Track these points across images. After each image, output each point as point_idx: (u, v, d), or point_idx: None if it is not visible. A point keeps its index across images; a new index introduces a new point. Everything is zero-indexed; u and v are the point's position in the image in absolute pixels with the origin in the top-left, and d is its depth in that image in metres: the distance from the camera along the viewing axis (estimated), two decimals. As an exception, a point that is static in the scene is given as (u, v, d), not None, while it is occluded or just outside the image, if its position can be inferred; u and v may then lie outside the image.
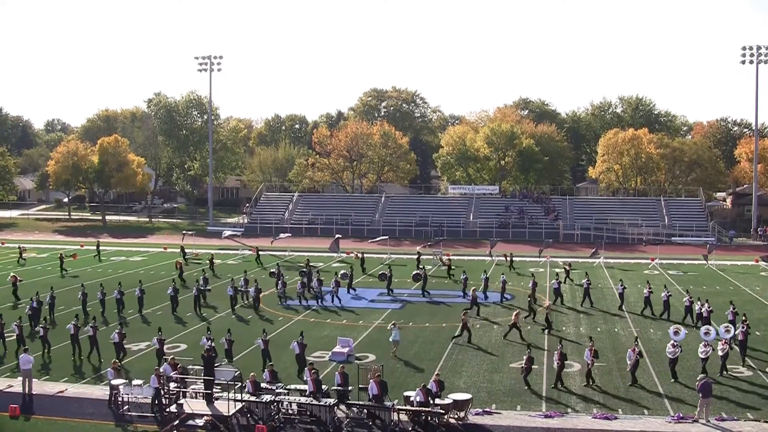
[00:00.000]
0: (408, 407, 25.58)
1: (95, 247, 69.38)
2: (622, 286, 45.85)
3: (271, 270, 54.07)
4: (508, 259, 63.40)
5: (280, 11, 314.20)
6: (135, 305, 43.49)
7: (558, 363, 29.63)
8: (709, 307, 39.41)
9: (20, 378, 28.61)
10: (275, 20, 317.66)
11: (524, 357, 30.29)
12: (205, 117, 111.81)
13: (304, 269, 52.83)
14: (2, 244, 79.18)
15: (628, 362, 30.27)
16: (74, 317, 35.97)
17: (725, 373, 31.17)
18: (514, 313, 38.95)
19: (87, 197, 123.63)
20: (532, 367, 30.12)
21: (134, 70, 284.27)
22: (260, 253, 65.81)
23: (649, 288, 44.24)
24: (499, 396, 28.43)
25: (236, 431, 24.99)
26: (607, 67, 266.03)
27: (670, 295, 43.04)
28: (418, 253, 63.46)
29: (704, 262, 64.42)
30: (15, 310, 43.47)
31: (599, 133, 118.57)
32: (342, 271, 52.84)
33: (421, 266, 57.28)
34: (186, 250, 67.90)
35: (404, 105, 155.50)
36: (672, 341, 32.06)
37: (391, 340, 34.75)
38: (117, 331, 33.46)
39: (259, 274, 55.76)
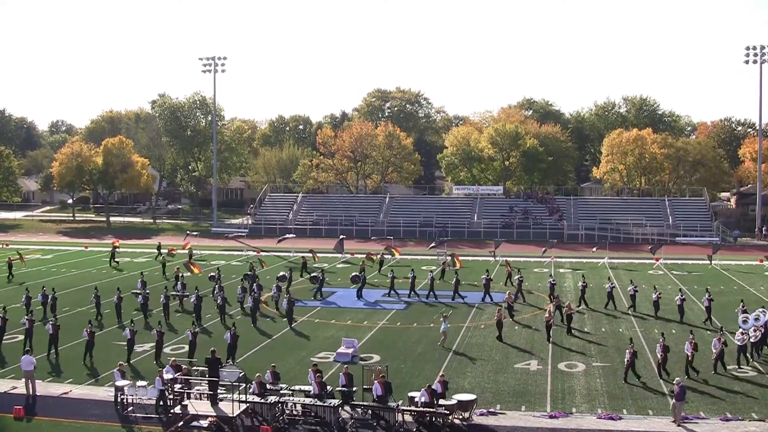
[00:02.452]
0: (413, 408, 25.58)
1: (156, 249, 69.26)
2: (634, 288, 45.27)
3: (210, 274, 52.61)
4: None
5: (284, 12, 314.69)
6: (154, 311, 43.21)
7: (662, 355, 30.88)
8: (681, 296, 42.60)
9: (23, 380, 28.66)
10: (279, 21, 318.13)
11: (627, 351, 30.62)
12: (210, 118, 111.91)
13: (249, 273, 51.64)
14: (6, 245, 79.29)
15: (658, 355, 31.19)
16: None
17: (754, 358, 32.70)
18: (547, 312, 38.89)
19: (91, 198, 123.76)
20: (635, 360, 30.58)
21: (138, 71, 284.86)
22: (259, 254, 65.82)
23: (658, 292, 44.09)
24: (503, 396, 28.44)
25: (241, 432, 25.03)
26: (611, 67, 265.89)
27: (684, 299, 42.75)
28: (382, 254, 62.39)
29: (708, 262, 64.42)
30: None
31: (603, 134, 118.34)
32: (281, 273, 52.31)
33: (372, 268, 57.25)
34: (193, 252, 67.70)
35: (408, 105, 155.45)
36: (741, 329, 33.62)
37: (441, 330, 36.09)
38: (157, 329, 33.71)
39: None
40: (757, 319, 35.40)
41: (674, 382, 26.20)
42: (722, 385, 29.61)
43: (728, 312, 40.80)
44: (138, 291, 45.93)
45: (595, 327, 40.12)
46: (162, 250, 67.30)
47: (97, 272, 59.80)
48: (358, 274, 51.36)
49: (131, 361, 32.82)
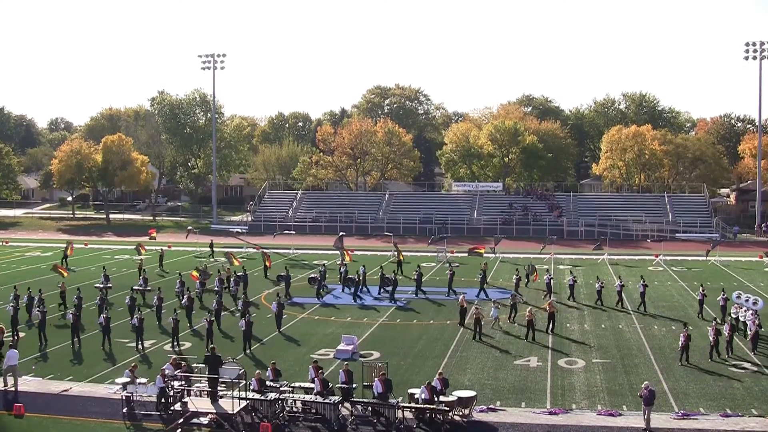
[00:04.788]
0: (413, 405, 25.59)
1: (209, 247, 68.84)
2: (643, 285, 44.34)
3: (238, 273, 51.03)
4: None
5: (284, 9, 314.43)
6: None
7: (714, 338, 32.73)
8: (621, 282, 45.87)
9: (14, 375, 28.70)
10: (278, 18, 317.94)
11: (681, 335, 32.36)
12: (209, 115, 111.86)
13: (282, 274, 50.31)
14: (6, 243, 79.28)
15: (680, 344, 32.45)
16: None
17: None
18: (528, 309, 38.85)
19: (91, 196, 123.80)
20: (689, 343, 32.16)
21: (138, 68, 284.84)
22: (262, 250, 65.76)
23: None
24: (503, 393, 28.44)
25: (241, 429, 25.02)
26: (610, 64, 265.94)
27: (706, 295, 42.43)
28: (400, 253, 61.94)
29: (705, 257, 64.56)
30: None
31: (603, 130, 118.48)
32: (312, 274, 51.87)
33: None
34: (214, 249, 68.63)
35: (408, 102, 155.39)
36: (751, 311, 36.62)
37: (491, 317, 38.95)
38: (172, 317, 35.00)
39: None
40: (755, 302, 38.74)
41: (642, 385, 25.41)
42: (722, 381, 29.63)
43: (716, 308, 40.94)
44: (101, 285, 46.98)
45: (595, 324, 40.13)
46: (214, 249, 68.21)
47: (96, 270, 59.65)
48: (388, 276, 49.43)
49: (143, 348, 34.71)
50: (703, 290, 42.46)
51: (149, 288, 46.90)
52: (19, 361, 29.28)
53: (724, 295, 41.01)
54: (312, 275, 51.41)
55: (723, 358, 32.63)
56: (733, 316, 38.43)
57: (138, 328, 34.99)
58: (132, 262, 64.22)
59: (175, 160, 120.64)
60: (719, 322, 35.56)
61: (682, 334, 32.35)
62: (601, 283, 46.59)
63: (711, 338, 33.01)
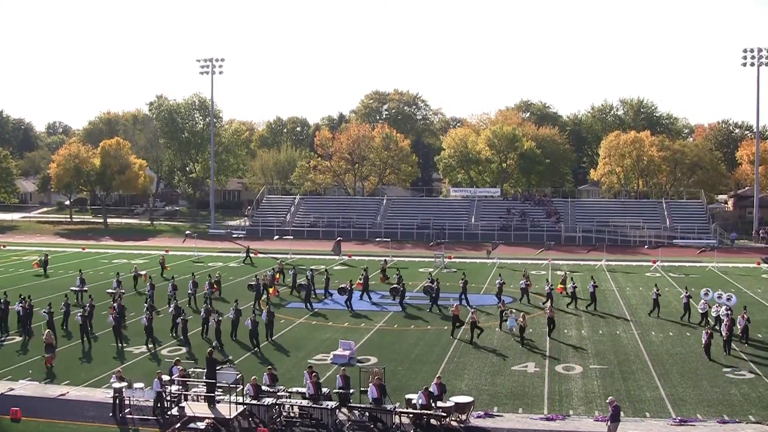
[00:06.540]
0: (410, 410, 25.57)
1: (245, 253, 68.19)
2: (593, 285, 46.05)
3: (249, 283, 49.92)
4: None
5: (282, 14, 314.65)
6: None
7: (726, 334, 34.32)
8: (589, 284, 46.53)
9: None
10: (277, 22, 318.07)
11: (704, 333, 33.79)
12: (207, 119, 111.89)
13: (303, 283, 49.43)
14: (3, 247, 79.16)
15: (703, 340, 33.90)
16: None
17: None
18: (522, 314, 38.91)
19: (89, 200, 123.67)
20: (711, 341, 33.63)
21: (136, 72, 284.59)
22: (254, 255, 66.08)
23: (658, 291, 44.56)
24: (500, 398, 28.41)
25: (238, 434, 25.00)
26: (608, 70, 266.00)
27: (690, 297, 42.61)
28: (385, 260, 62.07)
29: (705, 263, 64.65)
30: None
31: (601, 136, 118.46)
32: (342, 284, 50.65)
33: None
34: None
35: (406, 107, 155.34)
36: (724, 306, 38.46)
37: (508, 326, 38.20)
38: (182, 317, 35.66)
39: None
40: (729, 299, 41.17)
41: (607, 401, 24.87)
42: (719, 387, 29.61)
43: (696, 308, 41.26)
44: (77, 288, 47.54)
45: (593, 329, 40.11)
46: (250, 254, 67.74)
47: (93, 273, 59.62)
48: (430, 285, 47.79)
49: (154, 347, 35.58)
50: (657, 290, 44.20)
51: (123, 291, 47.19)
52: (23, 363, 29.39)
53: (687, 293, 42.38)
54: (342, 285, 49.32)
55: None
56: (711, 314, 39.79)
57: (148, 328, 35.84)
58: (129, 266, 64.18)
59: (173, 164, 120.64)
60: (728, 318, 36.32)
61: (705, 332, 33.89)
62: (550, 286, 46.80)
63: (723, 334, 34.53)
